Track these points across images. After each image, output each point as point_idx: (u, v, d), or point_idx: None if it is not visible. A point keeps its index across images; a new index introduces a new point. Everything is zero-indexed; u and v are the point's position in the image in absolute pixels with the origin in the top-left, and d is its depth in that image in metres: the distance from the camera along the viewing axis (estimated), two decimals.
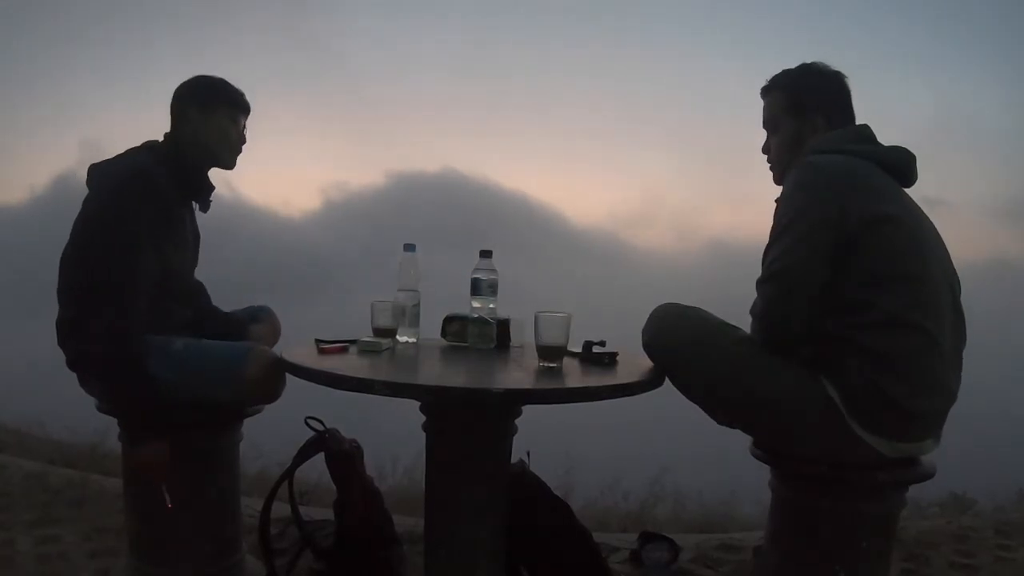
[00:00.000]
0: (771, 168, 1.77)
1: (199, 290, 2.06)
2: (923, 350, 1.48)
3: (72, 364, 1.78)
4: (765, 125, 1.78)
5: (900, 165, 1.62)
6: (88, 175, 1.82)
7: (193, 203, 1.96)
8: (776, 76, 1.74)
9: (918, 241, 1.54)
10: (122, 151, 1.85)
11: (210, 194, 1.94)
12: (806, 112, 1.69)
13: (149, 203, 1.74)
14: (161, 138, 1.90)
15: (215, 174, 1.96)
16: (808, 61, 1.73)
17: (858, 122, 1.70)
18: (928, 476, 1.57)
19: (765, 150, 1.78)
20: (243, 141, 1.94)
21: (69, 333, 1.75)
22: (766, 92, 1.76)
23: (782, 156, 1.73)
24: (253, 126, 1.97)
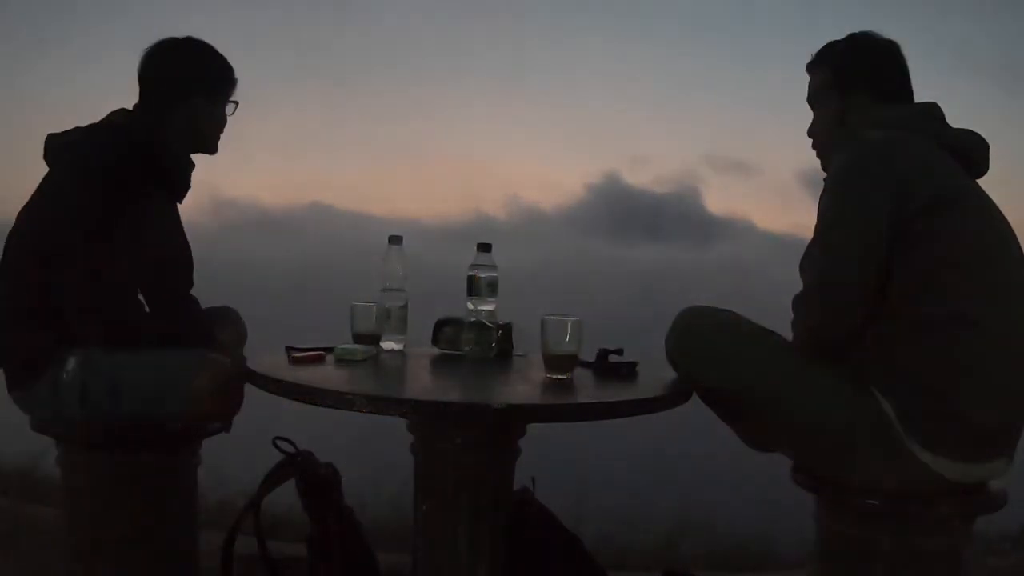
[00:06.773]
0: (816, 153, 1.78)
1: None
2: (992, 351, 1.49)
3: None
4: (809, 103, 1.79)
5: (970, 150, 1.62)
6: (46, 148, 1.83)
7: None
8: (820, 49, 1.75)
9: (985, 231, 1.55)
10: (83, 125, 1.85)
11: (187, 190, 1.95)
12: (848, 88, 1.69)
13: (113, 195, 1.74)
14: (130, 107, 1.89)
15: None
16: (858, 31, 1.74)
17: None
18: (998, 506, 1.57)
19: (811, 133, 1.79)
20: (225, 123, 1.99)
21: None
22: (811, 68, 1.77)
23: (823, 138, 1.74)
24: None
